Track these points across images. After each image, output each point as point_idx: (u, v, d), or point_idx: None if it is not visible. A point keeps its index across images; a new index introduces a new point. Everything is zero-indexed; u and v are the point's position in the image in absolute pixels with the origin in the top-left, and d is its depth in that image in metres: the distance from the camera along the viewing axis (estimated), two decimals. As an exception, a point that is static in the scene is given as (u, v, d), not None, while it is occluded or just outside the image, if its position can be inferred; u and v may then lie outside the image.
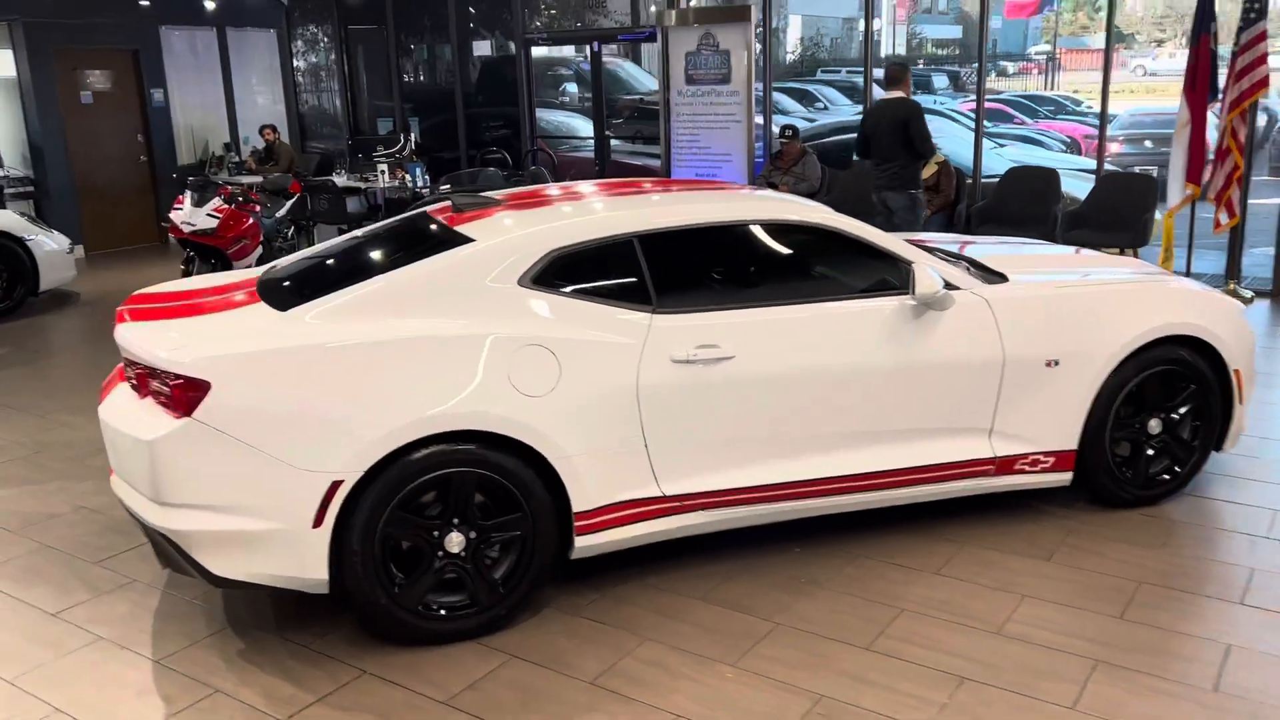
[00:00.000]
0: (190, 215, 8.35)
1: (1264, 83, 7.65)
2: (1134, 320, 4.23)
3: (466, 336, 3.50)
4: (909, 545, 4.18)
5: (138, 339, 3.51)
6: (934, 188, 8.98)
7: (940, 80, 25.19)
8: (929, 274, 3.93)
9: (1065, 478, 4.31)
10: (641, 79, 16.69)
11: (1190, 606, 3.66)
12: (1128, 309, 4.26)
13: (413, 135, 11.36)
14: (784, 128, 9.83)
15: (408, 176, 10.96)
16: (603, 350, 3.63)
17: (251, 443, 3.28)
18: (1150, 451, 4.41)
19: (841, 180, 9.84)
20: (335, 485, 3.32)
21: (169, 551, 3.42)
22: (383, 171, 10.94)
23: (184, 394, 3.27)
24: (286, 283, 3.90)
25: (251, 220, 8.79)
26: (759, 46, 10.27)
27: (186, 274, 8.49)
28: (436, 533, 3.48)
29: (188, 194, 8.53)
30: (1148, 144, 15.62)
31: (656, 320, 3.71)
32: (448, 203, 4.49)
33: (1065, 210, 8.69)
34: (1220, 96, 7.86)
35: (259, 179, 9.87)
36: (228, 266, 8.67)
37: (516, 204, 4.19)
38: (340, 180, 11.10)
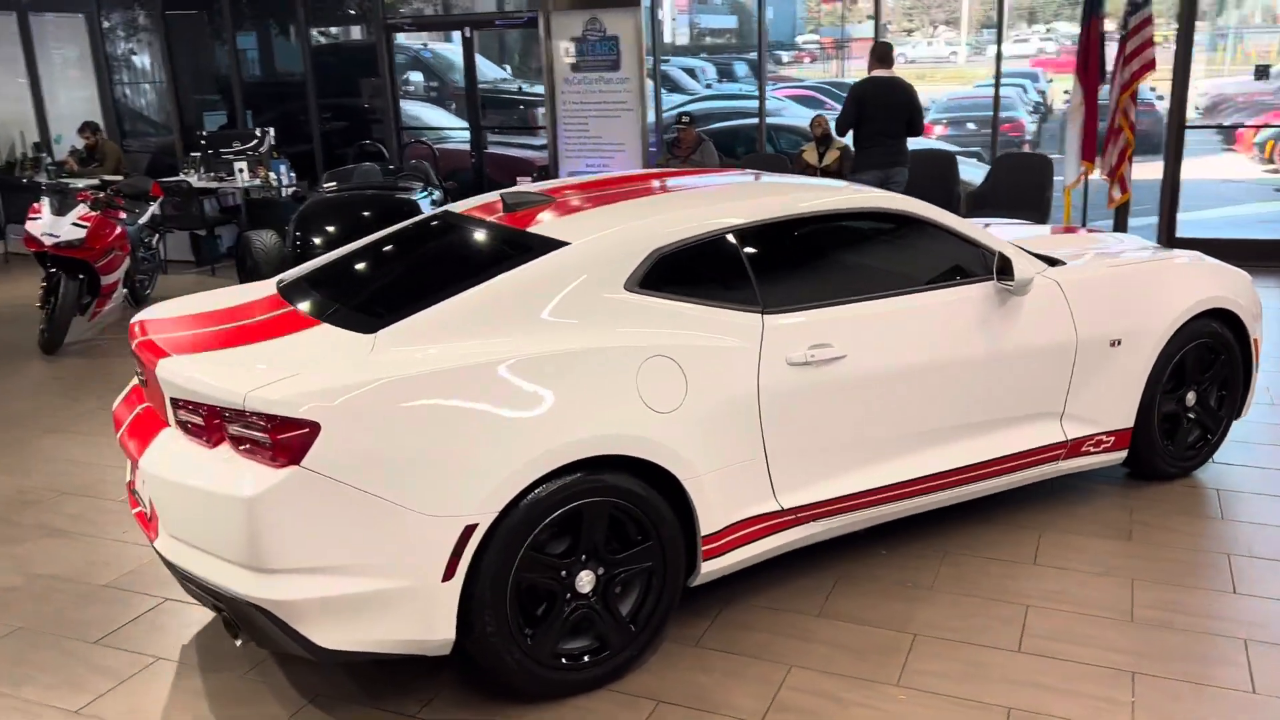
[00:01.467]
0: (52, 226, 7.30)
1: (1151, 65, 8.07)
2: (1180, 297, 4.29)
3: (592, 350, 3.13)
4: (989, 537, 4.10)
5: (203, 375, 2.93)
6: (838, 174, 9.03)
7: (740, 68, 25.79)
8: (1025, 259, 3.84)
9: (1121, 456, 4.34)
10: (484, 69, 16.13)
11: (1289, 575, 3.74)
12: (1173, 286, 4.31)
13: (270, 131, 10.48)
14: (679, 114, 9.65)
15: (271, 175, 10.12)
16: (724, 357, 3.33)
17: (370, 490, 2.80)
18: (1185, 423, 4.50)
19: (747, 166, 9.76)
20: (469, 530, 2.89)
21: (263, 626, 2.88)
22: (241, 170, 10.05)
23: (288, 439, 2.75)
24: (344, 300, 3.38)
25: (120, 228, 7.82)
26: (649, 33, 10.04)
27: (48, 298, 7.43)
28: (565, 573, 3.10)
29: (45, 201, 7.47)
30: (970, 125, 16.49)
31: (767, 320, 3.44)
32: (479, 202, 4.05)
33: (964, 192, 8.94)
34: (1110, 78, 8.25)
35: (119, 179, 8.80)
36: (95, 283, 7.68)
37: (570, 202, 3.80)
38: (195, 181, 10.12)
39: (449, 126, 12.71)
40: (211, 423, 2.91)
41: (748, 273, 3.50)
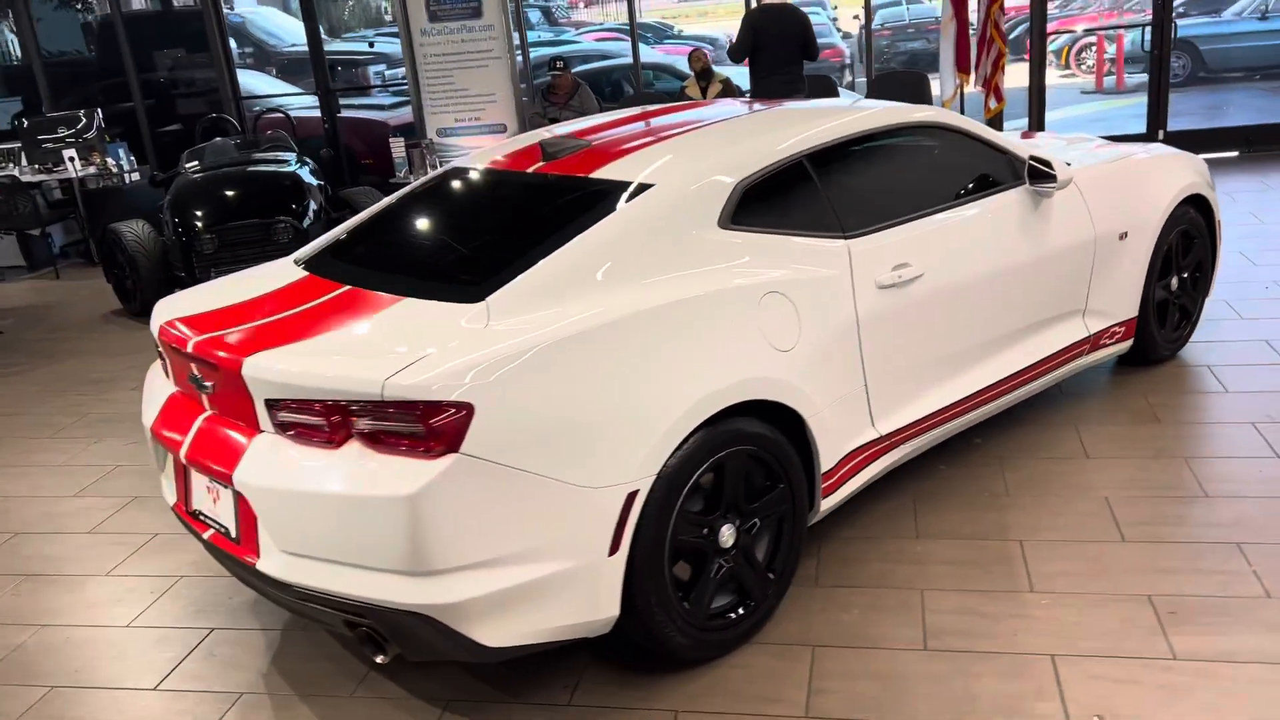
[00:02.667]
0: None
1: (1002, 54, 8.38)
2: (1166, 187, 4.47)
3: (715, 294, 2.95)
4: (1032, 439, 4.19)
5: (320, 369, 2.58)
6: (723, 105, 8.96)
7: (534, 15, 25.37)
8: (1060, 161, 3.89)
9: (1128, 345, 4.51)
10: (287, 29, 15.18)
11: (1318, 434, 3.99)
12: (1159, 177, 4.48)
13: (98, 112, 9.49)
14: (553, 59, 9.33)
15: (110, 160, 9.21)
16: (825, 287, 3.22)
17: (531, 469, 2.55)
18: (1170, 307, 4.72)
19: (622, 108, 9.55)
20: (631, 497, 2.69)
21: (422, 635, 2.60)
22: (72, 159, 9.09)
23: (443, 425, 2.46)
24: (414, 273, 3.07)
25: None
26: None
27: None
28: (709, 530, 2.94)
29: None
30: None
31: (852, 246, 3.35)
32: (501, 154, 3.75)
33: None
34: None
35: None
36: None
37: (614, 144, 3.56)
38: (23, 175, 9.08)
39: (285, 93, 11.90)
40: (333, 420, 2.57)
41: (824, 198, 3.39)
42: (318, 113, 10.70)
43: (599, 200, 3.12)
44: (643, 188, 3.12)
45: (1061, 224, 4.02)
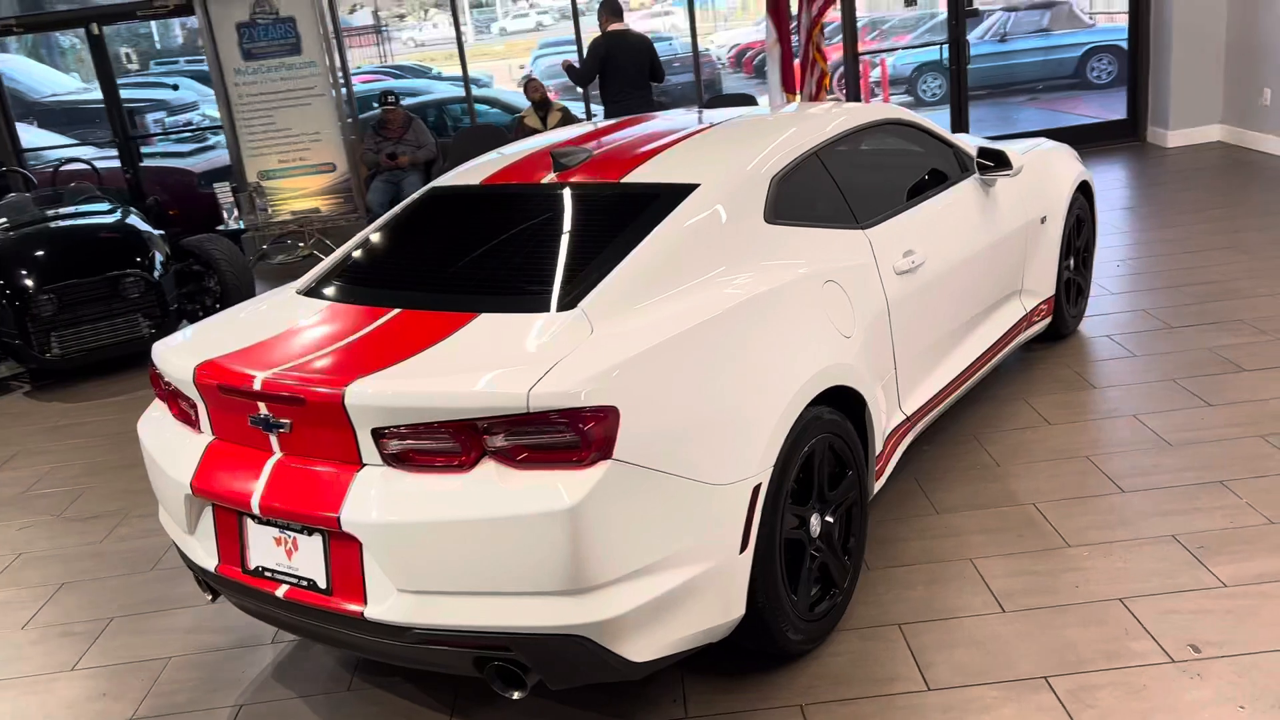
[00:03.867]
0: None
1: (831, 2, 8.90)
2: (1066, 174, 4.90)
3: (788, 285, 2.99)
4: (987, 413, 4.45)
5: (444, 387, 2.40)
6: (563, 132, 9.00)
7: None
8: (1013, 150, 4.18)
9: (1048, 322, 4.89)
10: (43, 78, 14.02)
11: (1240, 380, 4.46)
12: (1059, 167, 4.91)
13: None
14: (383, 94, 9.06)
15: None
16: (862, 275, 3.32)
17: (670, 470, 2.48)
18: (1071, 284, 5.16)
19: (462, 140, 9.41)
20: (756, 490, 2.67)
21: (571, 659, 2.46)
22: None
23: (594, 432, 2.35)
24: (472, 290, 2.93)
25: None
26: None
27: None
28: (803, 521, 2.96)
29: None
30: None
31: (869, 235, 3.47)
32: (493, 170, 3.62)
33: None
34: (797, 17, 8.99)
35: None
36: None
37: (623, 151, 3.52)
38: None
39: (65, 144, 10.91)
40: (462, 441, 2.40)
41: (839, 192, 3.49)
42: (115, 163, 9.87)
43: (648, 203, 3.09)
44: (690, 187, 3.11)
45: (1005, 210, 4.31)
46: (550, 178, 3.40)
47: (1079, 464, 3.93)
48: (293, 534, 2.64)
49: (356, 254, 3.40)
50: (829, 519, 3.05)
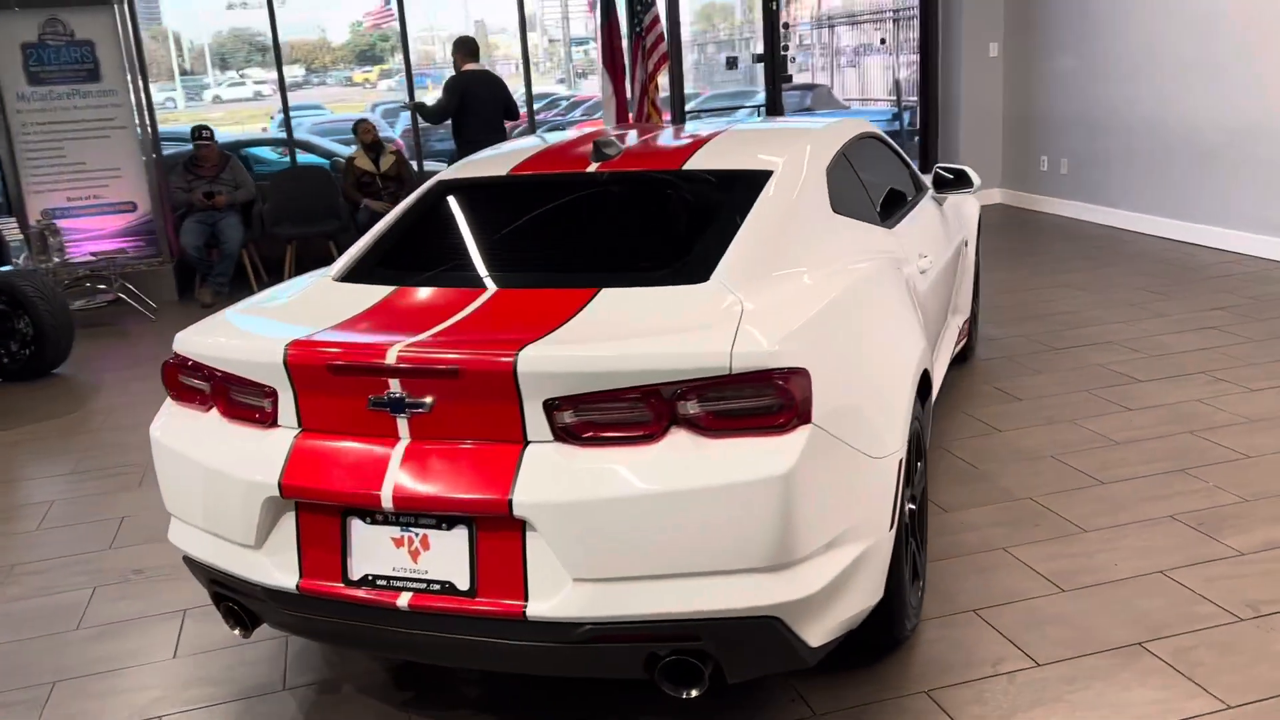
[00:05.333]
0: None
1: (666, 57, 9.17)
2: (973, 201, 5.24)
3: (884, 269, 2.97)
4: (938, 427, 4.62)
5: (638, 349, 2.18)
6: (396, 177, 8.66)
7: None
8: (970, 170, 4.40)
9: (965, 342, 5.17)
10: None
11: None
12: (965, 199, 5.24)
13: None
14: (196, 128, 8.35)
15: None
16: (905, 270, 3.36)
17: (845, 439, 2.38)
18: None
19: (286, 181, 8.82)
20: (900, 465, 2.61)
21: (760, 646, 2.27)
22: None
23: (795, 394, 2.21)
24: (580, 269, 2.73)
25: None
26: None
27: None
28: (907, 506, 2.92)
29: None
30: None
31: (894, 235, 3.54)
32: (515, 160, 3.41)
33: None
34: (631, 70, 9.18)
35: None
36: None
37: (656, 146, 3.43)
38: None
39: None
40: (651, 409, 2.20)
41: (865, 191, 3.55)
42: None
43: (729, 186, 3.02)
44: (766, 173, 3.06)
45: (951, 228, 4.55)
46: (594, 167, 3.24)
47: (1049, 463, 4.14)
48: (422, 531, 2.30)
49: (391, 243, 3.08)
50: (912, 506, 3.03)
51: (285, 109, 9.45)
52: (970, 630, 3.03)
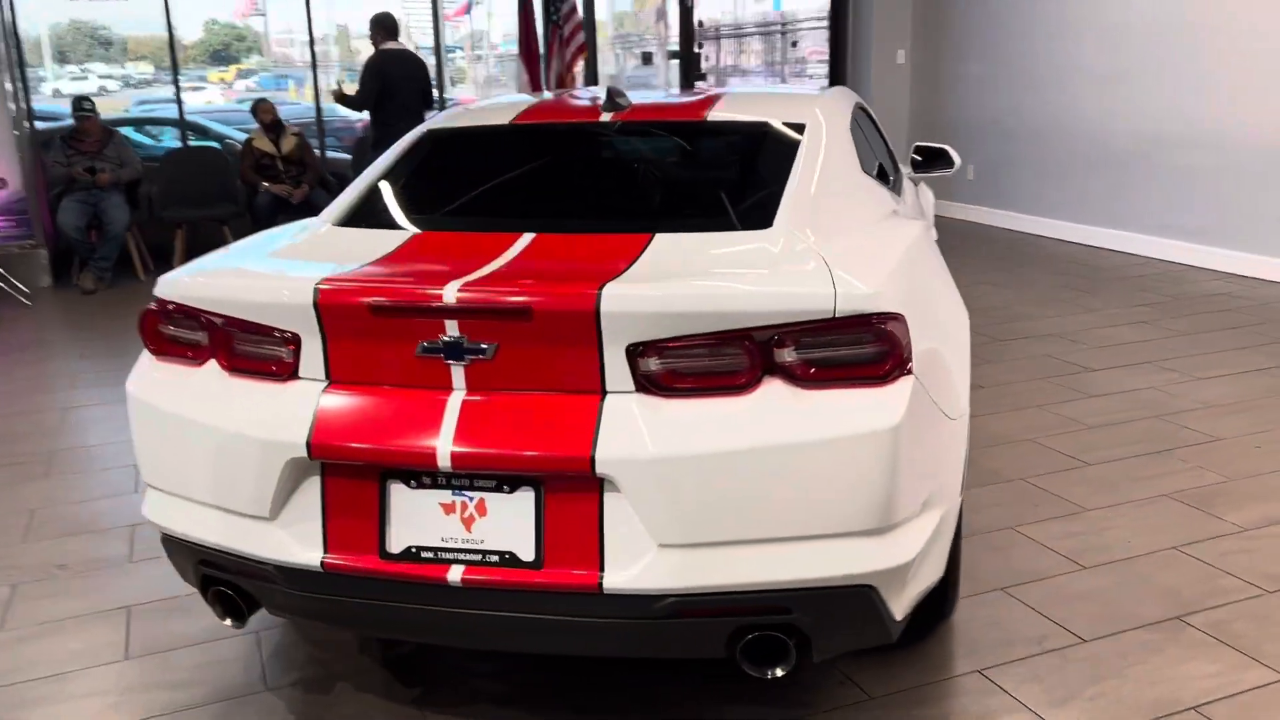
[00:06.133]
0: None
1: (584, 47, 8.95)
2: (928, 192, 5.20)
3: (927, 231, 2.83)
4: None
5: (737, 288, 1.96)
6: (299, 161, 8.18)
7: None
8: (951, 150, 4.33)
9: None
10: None
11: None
12: (923, 186, 5.20)
13: None
14: (78, 99, 7.68)
15: None
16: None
17: (933, 396, 2.22)
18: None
19: (178, 162, 8.21)
20: (968, 428, 2.46)
21: (851, 620, 2.08)
22: None
23: (899, 342, 2.04)
24: (628, 215, 2.51)
25: None
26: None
27: None
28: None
29: None
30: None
31: (902, 203, 3.42)
32: (516, 110, 3.15)
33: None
34: (548, 60, 8.93)
35: None
36: None
37: (659, 101, 3.21)
38: None
39: None
40: (744, 356, 1.98)
41: (874, 156, 3.42)
42: None
43: (762, 138, 2.83)
44: (800, 125, 2.88)
45: (925, 210, 4.48)
46: (607, 117, 3.00)
47: (1030, 446, 4.09)
48: (478, 495, 2.02)
49: (392, 190, 2.77)
50: None
51: (177, 89, 8.84)
52: (1002, 608, 2.91)
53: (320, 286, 2.05)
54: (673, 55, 9.80)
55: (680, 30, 9.66)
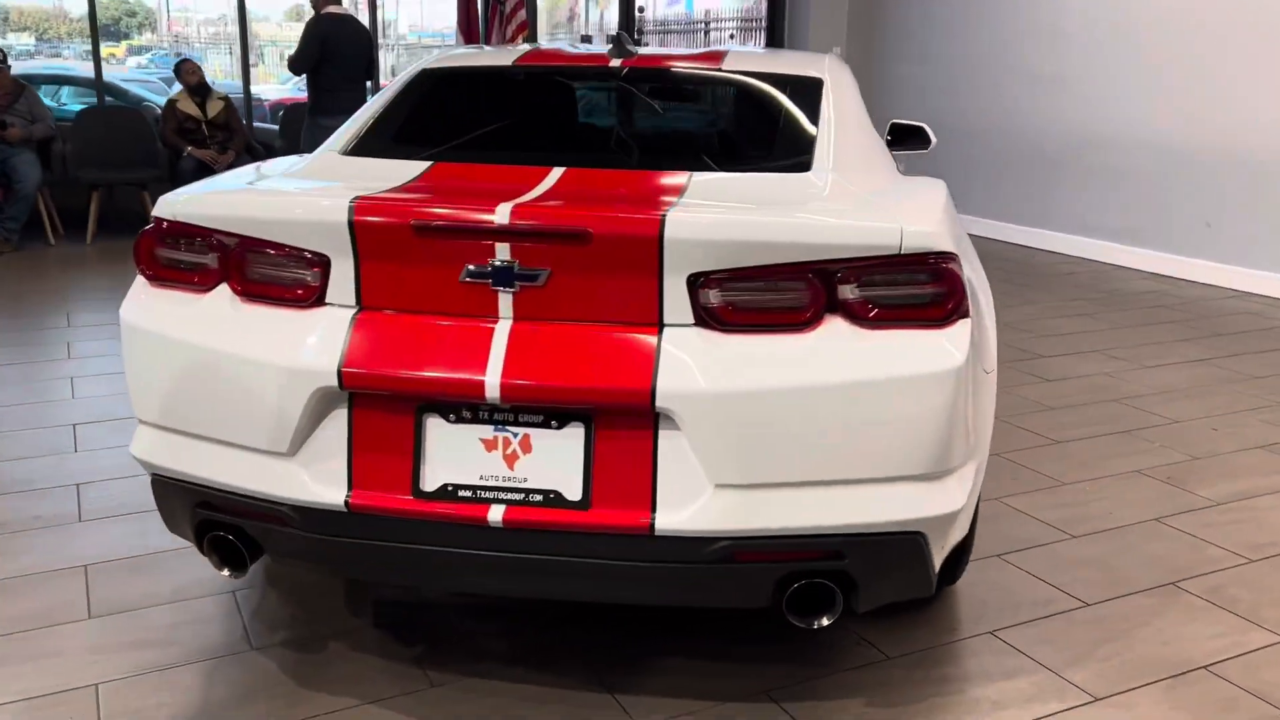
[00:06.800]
0: None
1: (525, 25, 8.79)
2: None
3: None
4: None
5: (804, 220, 1.88)
6: (225, 126, 7.84)
7: None
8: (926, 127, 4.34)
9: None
10: None
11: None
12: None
13: None
14: (-12, 51, 7.23)
15: None
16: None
17: (977, 345, 2.18)
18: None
19: (94, 122, 7.79)
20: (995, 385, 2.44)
21: (894, 570, 2.03)
22: None
23: (955, 281, 1.99)
24: (659, 156, 2.41)
25: None
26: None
27: None
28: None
29: None
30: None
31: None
32: (515, 52, 3.02)
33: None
34: (488, 37, 8.75)
35: None
36: None
37: (668, 52, 3.13)
38: None
39: None
40: (807, 291, 1.91)
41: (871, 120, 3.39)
42: None
43: (783, 87, 2.75)
44: (817, 80, 2.82)
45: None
46: (616, 63, 2.90)
47: (1001, 424, 4.11)
48: (522, 430, 1.91)
49: (398, 123, 2.62)
50: None
51: (95, 42, 8.40)
52: (1002, 574, 2.90)
53: (355, 204, 1.90)
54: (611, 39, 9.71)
55: (620, 13, 9.58)
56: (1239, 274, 6.80)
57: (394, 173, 2.21)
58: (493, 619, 2.57)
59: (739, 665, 2.42)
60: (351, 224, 1.90)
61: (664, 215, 1.85)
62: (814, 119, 2.56)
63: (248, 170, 2.41)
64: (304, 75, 7.07)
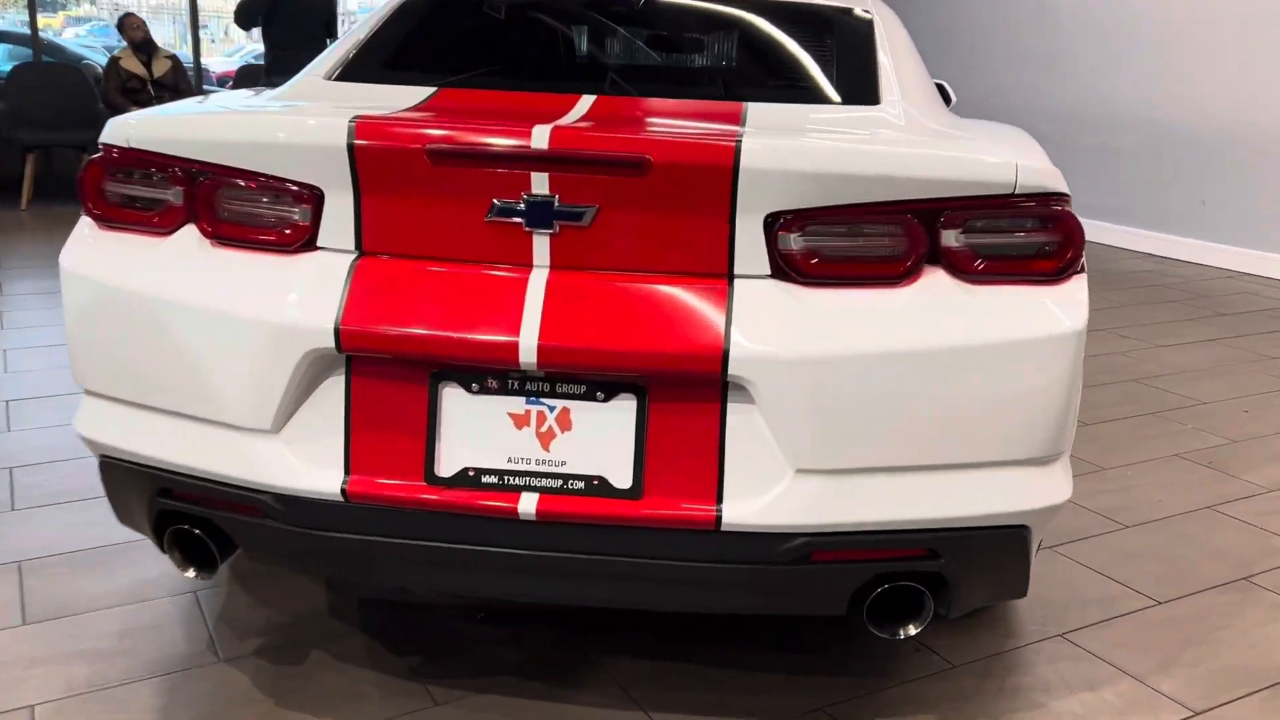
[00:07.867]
0: None
1: None
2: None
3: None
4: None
5: (907, 150, 1.56)
6: (174, 87, 7.35)
7: None
8: None
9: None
10: None
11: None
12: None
13: None
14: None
15: None
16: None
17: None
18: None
19: (30, 80, 7.26)
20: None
21: (991, 569, 1.74)
22: None
23: (1073, 231, 1.68)
24: (710, 84, 2.09)
25: None
26: None
27: None
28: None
29: None
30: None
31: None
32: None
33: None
34: None
35: None
36: None
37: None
38: None
39: None
40: (911, 235, 1.59)
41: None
42: None
43: (831, 23, 2.43)
44: (868, 19, 2.50)
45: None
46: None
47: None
48: (560, 404, 1.57)
49: (391, 48, 2.25)
50: None
51: (32, 7, 7.84)
52: (1061, 568, 2.63)
53: (356, 124, 1.55)
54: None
55: None
56: (1233, 253, 6.63)
57: (394, 97, 1.86)
58: (500, 623, 2.23)
59: (787, 677, 2.10)
60: (351, 148, 1.54)
61: (739, 142, 1.51)
62: (868, 51, 2.24)
63: (214, 97, 2.04)
64: (259, 37, 6.63)
